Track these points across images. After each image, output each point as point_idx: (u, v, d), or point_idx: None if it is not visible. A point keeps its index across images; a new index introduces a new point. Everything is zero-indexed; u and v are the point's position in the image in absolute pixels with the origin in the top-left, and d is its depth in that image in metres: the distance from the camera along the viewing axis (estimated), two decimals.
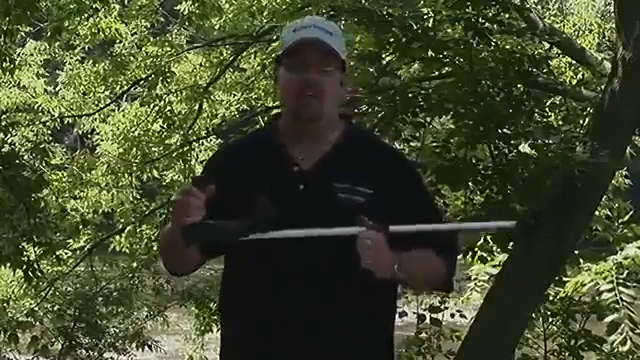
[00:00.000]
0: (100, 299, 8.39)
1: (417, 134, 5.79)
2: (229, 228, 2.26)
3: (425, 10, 5.75)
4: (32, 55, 10.46)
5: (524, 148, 5.32)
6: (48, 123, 10.18)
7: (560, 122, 6.51)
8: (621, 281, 4.78)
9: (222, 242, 2.33)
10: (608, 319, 4.73)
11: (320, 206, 2.38)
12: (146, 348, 8.37)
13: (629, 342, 4.55)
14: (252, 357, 2.43)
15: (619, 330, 4.60)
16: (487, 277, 5.96)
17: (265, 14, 9.26)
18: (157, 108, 9.86)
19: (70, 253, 9.09)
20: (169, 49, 10.00)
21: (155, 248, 8.97)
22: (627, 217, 6.03)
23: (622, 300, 4.68)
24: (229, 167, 2.50)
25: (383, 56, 6.23)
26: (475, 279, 6.03)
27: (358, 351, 2.41)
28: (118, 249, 9.78)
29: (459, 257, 6.01)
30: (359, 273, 2.27)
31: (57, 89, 10.83)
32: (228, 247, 2.43)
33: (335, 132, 2.49)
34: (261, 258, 2.36)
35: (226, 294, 2.56)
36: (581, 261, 5.59)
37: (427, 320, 6.57)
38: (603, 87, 5.52)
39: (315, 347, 2.37)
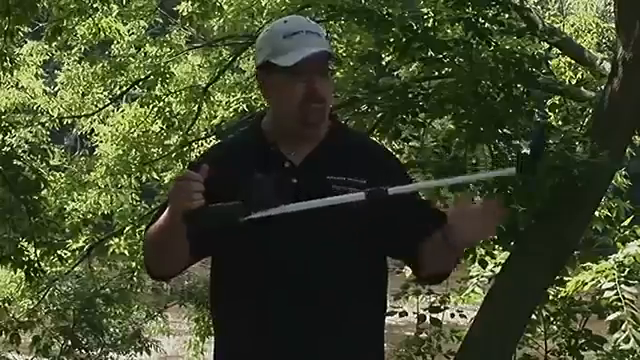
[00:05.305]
0: (100, 299, 8.39)
1: (417, 134, 5.79)
2: (230, 209, 2.24)
3: (425, 10, 5.75)
4: (31, 55, 10.44)
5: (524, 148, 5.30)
6: (47, 124, 10.16)
7: (560, 122, 6.52)
8: (622, 279, 4.79)
9: (224, 224, 2.28)
10: (610, 317, 4.74)
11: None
12: (146, 348, 8.37)
13: (632, 340, 4.56)
14: (244, 357, 2.43)
15: (622, 328, 4.61)
16: (488, 275, 5.96)
17: (265, 14, 9.25)
18: (156, 109, 9.85)
19: (69, 254, 9.08)
20: (168, 49, 9.99)
21: None
22: (628, 221, 6.03)
23: (624, 298, 4.68)
24: (218, 168, 2.44)
25: (383, 56, 6.23)
26: (476, 276, 6.02)
27: (351, 350, 2.41)
28: (117, 252, 9.76)
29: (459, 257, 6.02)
30: (351, 274, 2.32)
31: (56, 90, 10.82)
32: (219, 243, 2.41)
33: (323, 129, 2.51)
34: (250, 261, 2.37)
35: (215, 297, 2.57)
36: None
37: (427, 320, 6.56)
38: (603, 87, 5.52)
39: (307, 347, 2.37)
